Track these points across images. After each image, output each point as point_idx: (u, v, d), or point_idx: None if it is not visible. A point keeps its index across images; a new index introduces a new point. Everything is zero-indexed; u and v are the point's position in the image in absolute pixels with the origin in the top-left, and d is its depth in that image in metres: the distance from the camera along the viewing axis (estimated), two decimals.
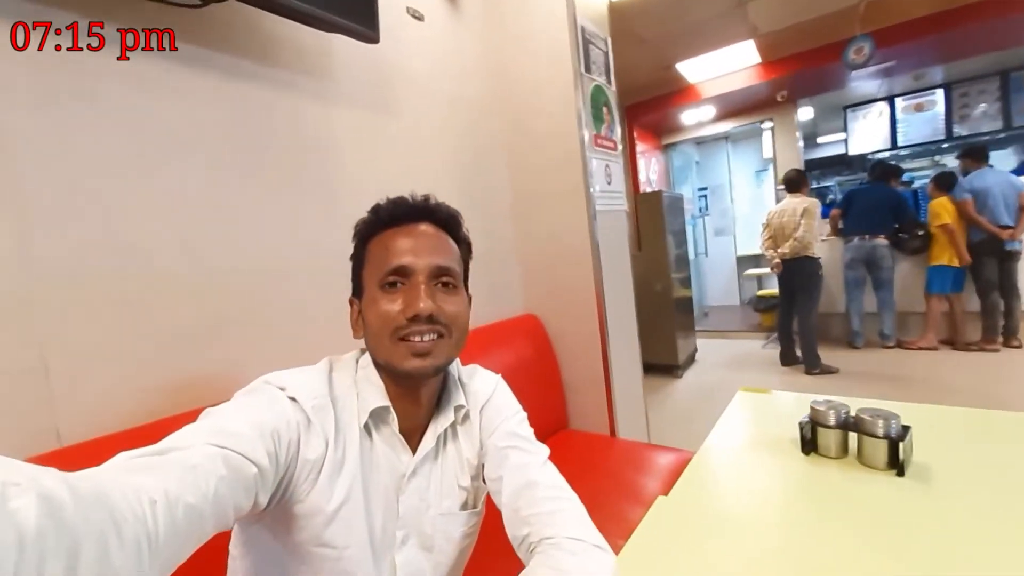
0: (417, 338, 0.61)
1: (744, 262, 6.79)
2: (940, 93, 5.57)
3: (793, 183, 3.78)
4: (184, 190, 1.01)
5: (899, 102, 5.76)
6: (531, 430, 0.74)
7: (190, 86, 1.03)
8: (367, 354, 0.68)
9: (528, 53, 1.96)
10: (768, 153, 6.15)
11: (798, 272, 3.68)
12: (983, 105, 5.44)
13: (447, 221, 0.69)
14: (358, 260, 0.68)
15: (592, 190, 1.90)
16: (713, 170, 7.13)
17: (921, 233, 3.97)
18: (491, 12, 2.00)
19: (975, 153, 3.89)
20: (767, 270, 4.10)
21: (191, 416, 0.53)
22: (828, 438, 0.94)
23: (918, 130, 5.72)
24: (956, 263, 3.77)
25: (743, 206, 6.95)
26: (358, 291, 0.68)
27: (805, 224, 3.59)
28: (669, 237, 4.03)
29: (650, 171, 6.06)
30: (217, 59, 1.08)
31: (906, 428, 0.87)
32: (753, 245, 6.69)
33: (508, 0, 1.98)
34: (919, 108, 5.68)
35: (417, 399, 0.67)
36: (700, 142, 6.86)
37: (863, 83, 5.30)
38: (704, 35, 3.93)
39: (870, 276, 4.04)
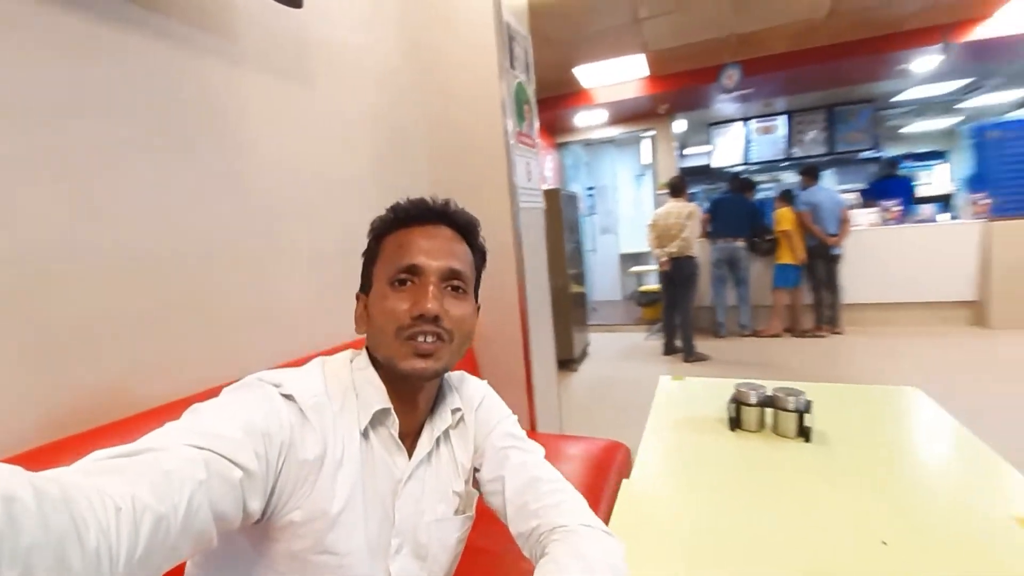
0: (421, 338, 0.60)
1: (626, 259, 7.38)
2: (783, 119, 6.57)
3: (676, 188, 4.21)
4: (65, 160, 0.84)
5: (752, 124, 6.68)
6: (523, 431, 0.75)
7: (63, 35, 0.85)
8: (363, 355, 0.66)
9: (452, 38, 1.89)
10: (646, 159, 6.76)
11: (681, 270, 4.11)
12: (813, 132, 6.53)
13: (465, 227, 0.69)
14: (371, 255, 0.67)
15: (516, 186, 1.90)
16: (600, 171, 7.64)
17: (770, 237, 4.68)
18: None
19: (811, 172, 4.67)
20: (649, 267, 4.52)
21: (69, 444, 0.46)
22: (750, 415, 1.09)
23: (765, 149, 6.71)
24: (796, 262, 4.51)
25: (626, 207, 7.56)
26: (367, 286, 0.66)
27: (690, 226, 4.03)
28: (566, 234, 4.23)
29: (544, 168, 6.31)
30: (98, 1, 0.90)
31: (809, 402, 1.05)
32: (634, 244, 7.33)
33: None
34: (767, 131, 6.66)
35: (415, 402, 0.66)
36: (589, 144, 7.29)
37: (726, 105, 6.06)
38: (602, 43, 4.20)
39: (731, 274, 4.68)
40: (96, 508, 0.35)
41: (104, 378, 0.87)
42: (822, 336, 4.55)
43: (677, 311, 4.27)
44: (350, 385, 0.62)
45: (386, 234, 0.66)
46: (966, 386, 3.07)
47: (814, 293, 4.59)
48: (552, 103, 5.55)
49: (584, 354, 4.60)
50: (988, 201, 4.49)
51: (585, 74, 4.87)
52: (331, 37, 1.47)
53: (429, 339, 0.60)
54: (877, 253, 4.65)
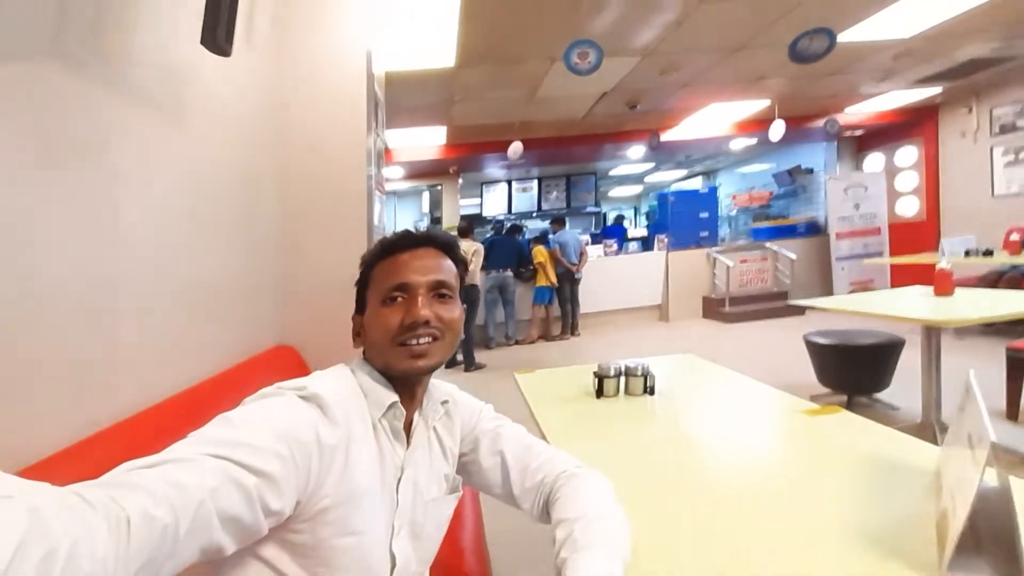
0: (414, 341, 0.67)
1: None
2: (535, 182, 8.12)
3: (464, 231, 5.03)
4: None
5: (514, 184, 8.08)
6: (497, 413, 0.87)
7: None
8: (358, 363, 0.72)
9: (324, 100, 2.02)
10: (426, 208, 7.49)
11: (465, 296, 4.62)
12: (556, 192, 8.20)
13: (445, 244, 0.76)
14: (363, 282, 0.75)
15: (373, 226, 2.09)
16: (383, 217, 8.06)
17: (531, 267, 5.69)
18: (281, 46, 1.98)
19: (559, 220, 5.97)
20: None
21: None
22: (610, 384, 1.33)
23: (523, 203, 8.18)
24: (549, 285, 5.60)
25: None
26: (361, 309, 0.75)
27: (475, 261, 4.79)
28: None
29: None
30: None
31: (648, 366, 1.34)
32: None
33: (300, 43, 2.02)
34: (525, 190, 8.13)
35: (412, 397, 0.72)
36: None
37: (495, 170, 7.25)
38: (415, 114, 4.81)
39: (501, 297, 5.52)
40: (109, 518, 0.39)
41: None
42: (566, 339, 5.73)
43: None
44: (357, 387, 0.68)
45: (376, 263, 0.74)
46: (661, 355, 4.30)
47: (562, 307, 5.76)
48: None
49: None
50: (666, 240, 6.34)
51: (392, 137, 5.40)
52: (206, 86, 1.46)
53: (423, 340, 0.67)
54: (602, 276, 6.11)
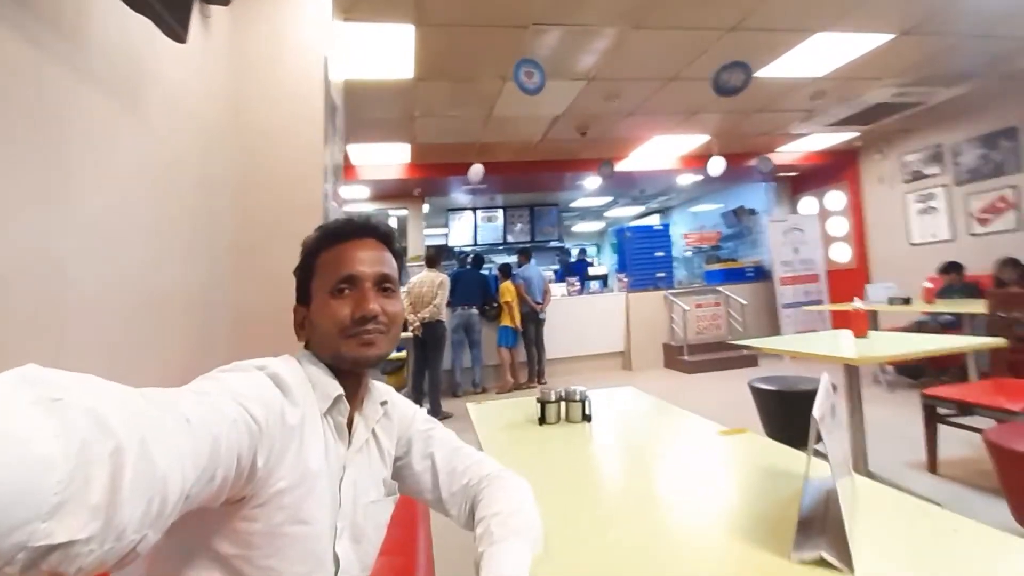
0: (364, 334, 0.69)
1: None
2: (501, 212, 8.16)
3: (432, 260, 4.79)
4: None
5: (479, 213, 8.08)
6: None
7: None
8: (306, 353, 0.72)
9: (280, 105, 1.98)
10: None
11: (432, 334, 4.60)
12: (520, 224, 8.28)
13: (386, 236, 0.77)
14: (306, 272, 0.74)
15: None
16: None
17: (496, 305, 5.65)
18: (237, 46, 1.93)
19: (525, 253, 5.92)
20: (403, 333, 4.85)
21: None
22: (551, 410, 1.45)
23: (489, 234, 8.19)
24: (513, 325, 5.53)
25: None
26: (305, 300, 0.74)
27: (441, 294, 4.60)
28: None
29: None
30: None
31: (587, 394, 1.47)
32: None
33: (256, 41, 1.98)
34: (490, 219, 8.15)
35: (356, 392, 0.73)
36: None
37: (461, 196, 7.22)
38: (377, 129, 4.72)
39: (467, 338, 5.41)
40: (171, 415, 0.42)
41: None
42: (533, 387, 5.60)
43: (426, 372, 4.69)
44: (305, 377, 0.68)
45: (319, 252, 0.74)
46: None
47: (527, 351, 5.68)
48: None
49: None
50: (626, 279, 6.54)
51: (356, 151, 5.20)
52: (166, 80, 1.43)
53: (371, 333, 0.70)
54: (566, 317, 6.15)
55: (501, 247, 8.45)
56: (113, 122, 1.20)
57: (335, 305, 0.70)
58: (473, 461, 0.82)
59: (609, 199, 8.61)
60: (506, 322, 5.51)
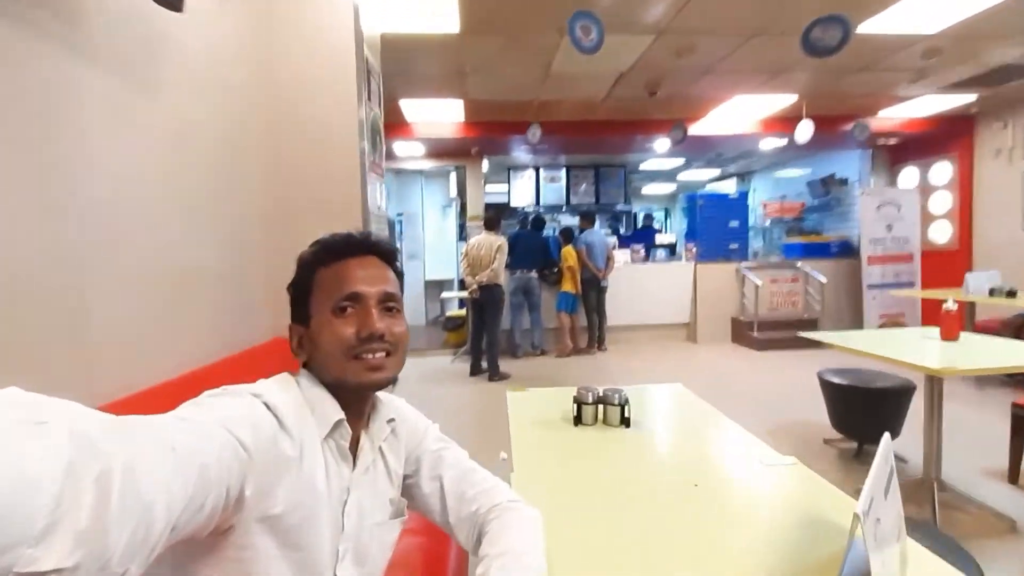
0: (370, 355, 0.66)
1: (431, 286, 7.71)
2: (564, 172, 7.87)
3: (491, 223, 4.73)
4: None
5: (542, 172, 7.83)
6: (443, 434, 0.86)
7: None
8: (305, 375, 0.69)
9: (312, 67, 1.88)
10: (453, 192, 7.30)
11: (489, 296, 4.60)
12: (585, 185, 7.98)
13: (388, 254, 0.75)
14: (304, 289, 0.71)
15: (370, 212, 1.97)
16: (408, 199, 7.89)
17: (556, 270, 5.56)
18: (264, 7, 1.83)
19: (588, 217, 5.73)
20: (455, 294, 4.89)
21: None
22: (587, 412, 1.35)
23: (552, 194, 7.94)
24: (574, 291, 5.44)
25: (431, 235, 7.94)
26: (303, 318, 0.70)
27: (499, 258, 4.55)
28: None
29: None
30: None
31: (627, 398, 1.33)
32: (440, 271, 7.75)
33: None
34: (553, 180, 7.89)
35: (361, 414, 0.71)
36: (399, 172, 7.52)
37: (522, 154, 7.01)
38: (428, 85, 4.55)
39: (526, 301, 5.39)
40: (156, 441, 0.41)
41: None
42: (593, 353, 5.59)
43: (484, 334, 4.73)
44: (303, 401, 0.65)
45: (317, 268, 0.71)
46: (686, 384, 4.24)
47: (588, 317, 5.59)
48: None
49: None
50: (695, 249, 6.20)
51: (409, 108, 5.09)
52: (183, 43, 1.38)
53: (379, 354, 0.67)
54: (630, 285, 5.96)
55: (564, 209, 8.17)
56: (121, 97, 1.15)
57: (338, 324, 0.67)
58: (483, 489, 0.78)
59: (682, 161, 8.09)
60: (567, 287, 5.43)
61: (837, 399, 2.70)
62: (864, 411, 2.62)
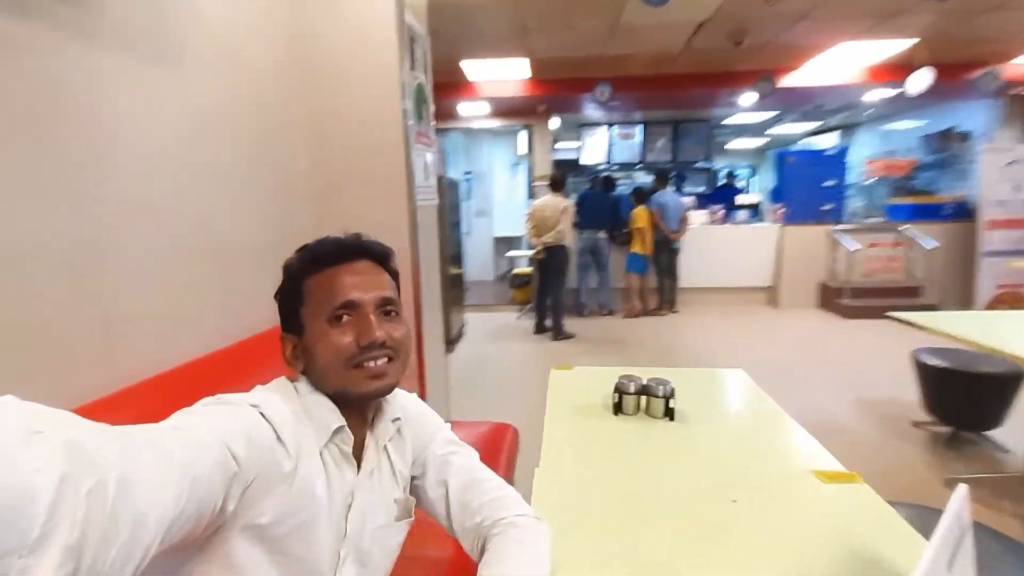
0: (371, 363, 0.65)
1: (500, 242, 7.77)
2: (639, 128, 7.47)
3: (556, 183, 4.63)
4: None
5: (615, 129, 7.48)
6: (457, 437, 0.83)
7: None
8: (302, 383, 0.68)
9: (350, 36, 1.80)
10: (522, 151, 7.19)
11: (555, 257, 4.55)
12: (662, 142, 7.54)
13: (381, 256, 0.72)
14: (293, 299, 0.69)
15: (415, 186, 1.90)
16: (477, 158, 7.89)
17: (626, 231, 5.38)
18: None
19: (662, 177, 5.46)
20: (523, 252, 4.88)
21: None
22: (629, 401, 1.25)
23: (625, 152, 7.57)
24: (643, 252, 5.26)
25: (500, 193, 7.94)
26: (296, 329, 0.68)
27: (564, 220, 4.47)
28: (446, 218, 4.35)
29: None
30: None
31: (673, 389, 1.21)
32: (507, 228, 7.76)
33: None
34: (626, 137, 7.50)
35: (364, 419, 0.70)
36: (467, 131, 7.50)
37: (594, 110, 6.71)
38: (490, 44, 4.42)
39: (594, 261, 5.28)
40: (153, 449, 0.41)
41: None
42: (663, 314, 5.42)
43: (548, 294, 4.71)
44: (300, 409, 0.64)
45: (306, 277, 0.68)
46: (764, 352, 4.01)
47: (658, 279, 5.42)
48: (439, 91, 5.57)
49: (460, 334, 4.78)
50: (782, 210, 5.72)
51: (471, 68, 5.01)
52: (207, 14, 1.34)
53: (380, 361, 0.65)
54: (705, 247, 5.67)
55: (638, 166, 7.78)
56: (144, 78, 1.13)
57: (335, 334, 0.64)
58: (489, 499, 0.73)
59: (774, 114, 7.39)
60: (636, 248, 5.27)
61: (933, 381, 2.42)
62: (963, 396, 2.34)
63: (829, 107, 6.83)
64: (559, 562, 0.71)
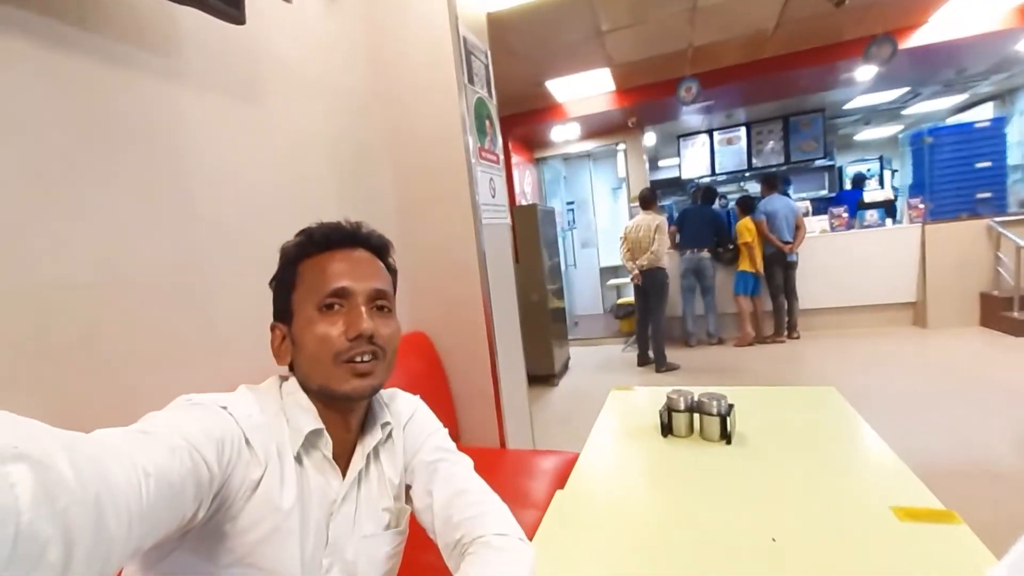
0: (358, 359, 0.63)
1: (606, 273, 7.65)
2: (743, 130, 6.98)
3: (646, 201, 4.48)
4: None
5: (716, 135, 7.08)
6: (453, 444, 0.78)
7: None
8: (290, 381, 0.67)
9: (409, 55, 1.90)
10: (622, 172, 7.12)
11: (652, 281, 4.39)
12: (771, 142, 6.95)
13: (379, 248, 0.71)
14: (287, 283, 0.67)
15: (479, 203, 1.90)
16: (578, 185, 7.93)
17: (732, 247, 5.02)
18: (367, 3, 1.88)
19: (769, 181, 5.01)
20: (625, 280, 4.79)
21: None
22: (680, 421, 1.17)
23: (729, 159, 7.11)
24: (753, 270, 4.84)
25: (603, 220, 7.84)
26: (285, 315, 0.66)
27: (659, 239, 4.30)
28: (544, 249, 4.44)
29: (524, 183, 6.60)
30: (28, 20, 0.85)
31: (731, 406, 1.13)
32: (613, 257, 7.66)
33: None
34: (730, 142, 7.06)
35: (347, 423, 0.68)
36: (567, 158, 7.62)
37: (691, 117, 6.44)
38: (568, 57, 4.37)
39: (698, 283, 4.99)
40: (127, 471, 0.39)
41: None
42: (782, 342, 4.89)
43: (649, 322, 4.56)
44: (280, 410, 0.63)
45: (301, 259, 0.67)
46: (904, 383, 3.48)
47: (773, 300, 4.90)
48: (527, 117, 5.69)
49: (565, 368, 4.79)
50: (923, 206, 4.91)
51: (558, 88, 5.04)
52: (281, 53, 1.45)
53: (366, 358, 0.63)
54: (829, 259, 5.03)
55: (748, 174, 7.23)
56: (225, 114, 1.25)
57: (324, 323, 0.63)
58: (472, 514, 0.68)
59: (904, 90, 6.41)
60: (744, 266, 4.87)
61: None
62: None
63: (975, 70, 5.68)
64: None
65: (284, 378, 0.68)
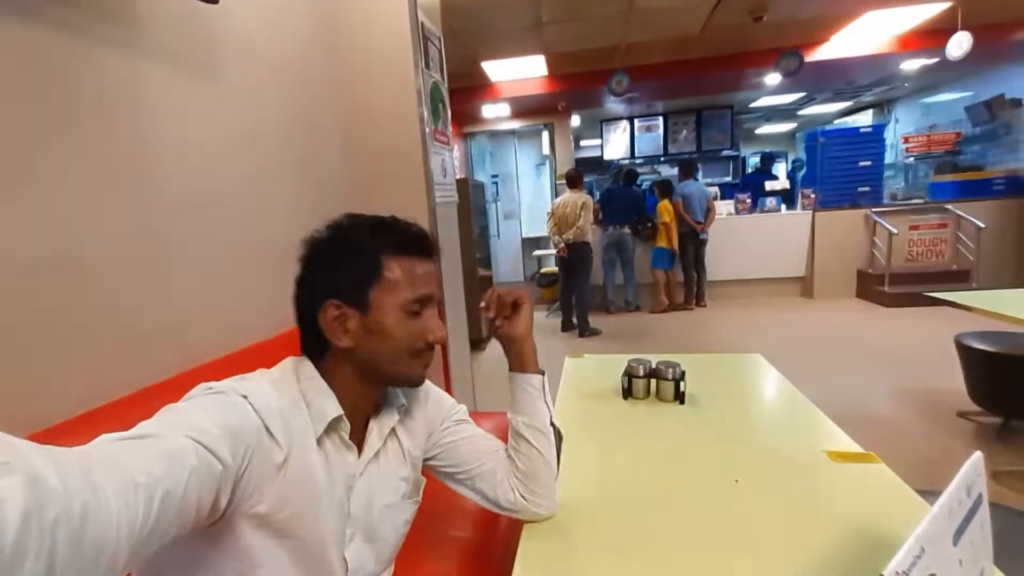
0: (429, 354, 0.71)
1: (528, 243, 7.81)
2: (661, 120, 7.38)
3: (573, 180, 4.62)
4: None
5: (636, 122, 7.41)
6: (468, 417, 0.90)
7: None
8: (306, 365, 0.68)
9: (368, 38, 1.90)
10: (546, 151, 7.22)
11: (577, 255, 4.56)
12: (685, 132, 7.41)
13: (437, 259, 0.76)
14: (366, 272, 0.66)
15: (433, 183, 1.99)
16: (503, 160, 7.95)
17: (651, 225, 5.31)
18: None
19: (687, 167, 5.37)
20: (550, 251, 4.89)
21: None
22: (638, 385, 1.27)
23: (647, 145, 7.50)
24: (669, 247, 5.18)
25: (527, 194, 7.97)
26: (358, 303, 0.66)
27: (584, 216, 4.47)
28: (474, 221, 4.47)
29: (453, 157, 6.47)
30: None
31: (683, 372, 1.23)
32: (535, 229, 7.79)
33: None
34: (648, 129, 7.44)
35: (375, 400, 0.74)
36: (493, 135, 7.58)
37: (615, 105, 6.67)
38: (507, 42, 4.45)
39: (619, 257, 5.24)
40: (117, 483, 0.38)
41: None
42: (691, 309, 5.34)
43: (573, 291, 4.73)
44: (299, 395, 0.65)
45: (385, 253, 0.67)
46: (796, 345, 3.90)
47: (685, 272, 5.33)
48: (461, 94, 5.60)
49: (491, 334, 4.87)
50: (814, 195, 5.52)
51: (493, 69, 5.07)
52: (241, 31, 1.43)
53: (432, 356, 0.72)
54: (733, 238, 5.53)
55: (663, 159, 7.69)
56: (186, 89, 1.22)
57: (413, 324, 0.68)
58: (500, 445, 0.85)
59: (801, 95, 7.14)
60: (661, 243, 5.19)
61: (979, 367, 2.30)
62: (1015, 382, 2.21)
63: (862, 82, 6.53)
64: (557, 542, 0.76)
65: (297, 362, 0.69)
